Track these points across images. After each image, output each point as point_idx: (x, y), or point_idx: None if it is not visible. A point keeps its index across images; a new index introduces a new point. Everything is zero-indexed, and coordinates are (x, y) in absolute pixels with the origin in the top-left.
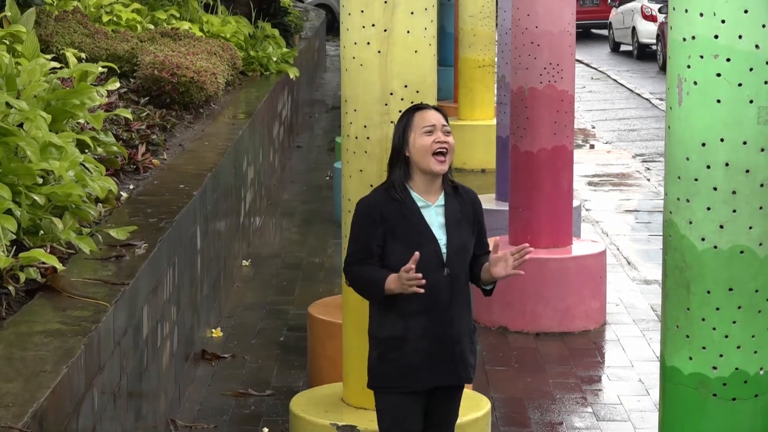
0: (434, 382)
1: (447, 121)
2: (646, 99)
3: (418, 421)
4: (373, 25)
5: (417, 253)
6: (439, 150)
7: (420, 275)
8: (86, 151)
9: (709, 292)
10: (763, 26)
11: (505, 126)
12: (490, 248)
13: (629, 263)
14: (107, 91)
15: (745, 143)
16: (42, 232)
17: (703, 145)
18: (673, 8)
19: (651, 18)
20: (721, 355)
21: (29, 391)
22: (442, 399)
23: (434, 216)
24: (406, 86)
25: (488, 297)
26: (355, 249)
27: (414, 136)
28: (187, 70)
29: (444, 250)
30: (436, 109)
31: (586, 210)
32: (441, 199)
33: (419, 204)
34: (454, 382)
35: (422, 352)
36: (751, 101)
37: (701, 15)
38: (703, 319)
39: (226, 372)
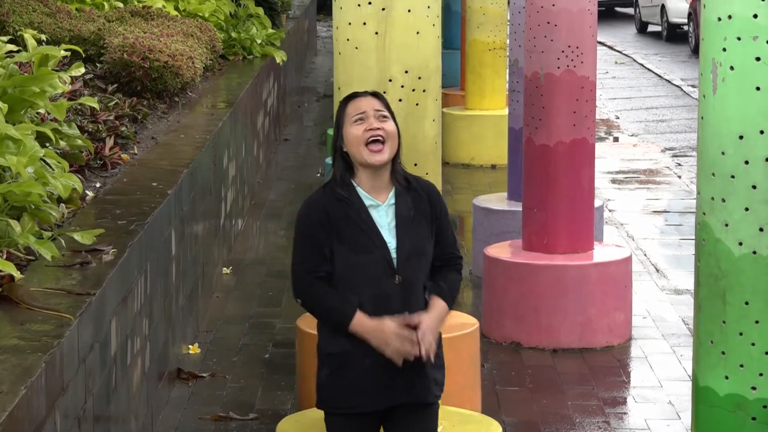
0: (388, 401)
1: (386, 107)
2: (677, 86)
3: None
4: (370, 3)
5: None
6: (373, 138)
7: (412, 348)
8: (47, 144)
9: (747, 303)
10: None
11: (518, 116)
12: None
13: (658, 271)
14: (71, 77)
15: None
16: None
17: (741, 137)
18: None
19: None
20: (761, 374)
21: None
22: (400, 422)
23: (384, 217)
24: (406, 72)
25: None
26: (304, 256)
27: (346, 128)
28: (160, 54)
29: (394, 255)
30: (374, 94)
31: (610, 211)
32: (391, 197)
33: (367, 203)
34: (411, 399)
35: (373, 368)
36: None
37: None
38: (741, 334)
39: (204, 393)
